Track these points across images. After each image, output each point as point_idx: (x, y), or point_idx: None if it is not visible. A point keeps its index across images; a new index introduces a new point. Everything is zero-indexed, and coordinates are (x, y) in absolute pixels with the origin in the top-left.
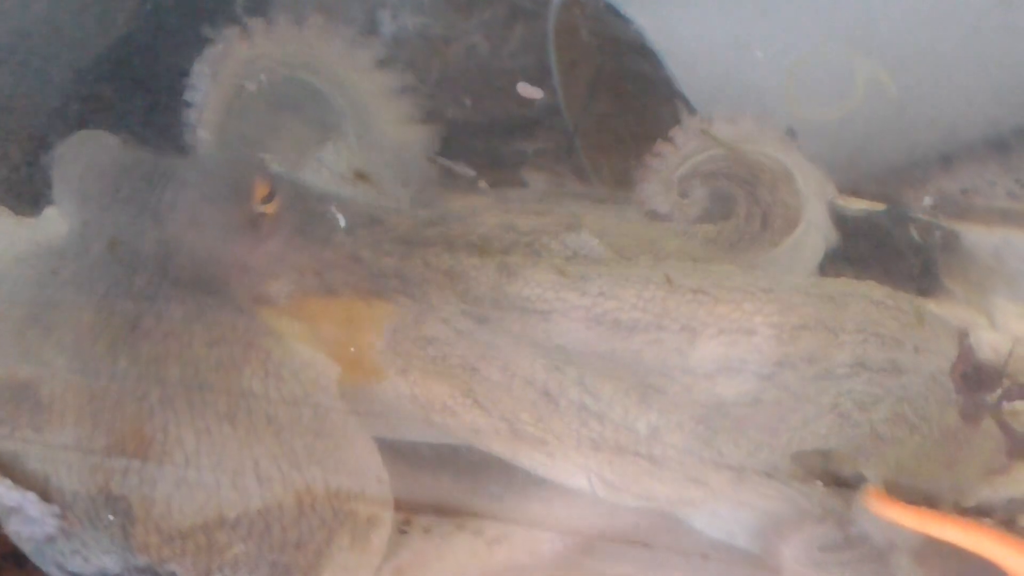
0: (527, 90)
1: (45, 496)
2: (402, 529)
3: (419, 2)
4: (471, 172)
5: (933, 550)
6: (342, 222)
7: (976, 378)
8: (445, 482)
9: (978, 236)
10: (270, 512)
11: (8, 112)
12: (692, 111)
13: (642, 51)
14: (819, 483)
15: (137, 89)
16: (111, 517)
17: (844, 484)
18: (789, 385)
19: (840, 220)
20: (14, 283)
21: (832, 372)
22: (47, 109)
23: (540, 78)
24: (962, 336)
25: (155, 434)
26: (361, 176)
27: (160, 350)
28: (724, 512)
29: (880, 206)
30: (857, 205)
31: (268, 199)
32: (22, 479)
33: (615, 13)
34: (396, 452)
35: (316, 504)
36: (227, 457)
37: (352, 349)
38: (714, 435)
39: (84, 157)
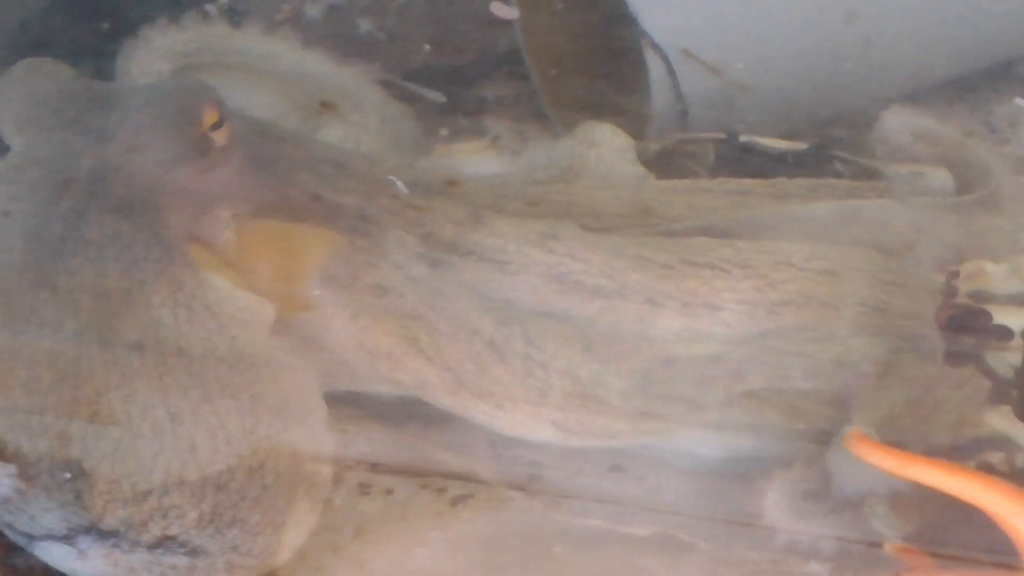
0: (501, 10)
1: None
2: (364, 491)
3: None
4: (441, 97)
5: (909, 496)
6: (402, 187)
7: (961, 320)
8: (407, 437)
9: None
10: (181, 447)
11: None
12: (658, 49)
13: None
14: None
15: (65, 52)
16: (67, 475)
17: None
18: (772, 347)
19: (762, 157)
20: None
21: (834, 335)
22: None
23: (500, 24)
24: (950, 277)
25: (68, 367)
26: (326, 105)
27: (77, 278)
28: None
29: (803, 145)
30: (783, 145)
31: (217, 125)
32: None
33: None
34: (358, 406)
35: (231, 441)
36: (137, 389)
37: (284, 277)
38: (649, 384)
39: (29, 83)
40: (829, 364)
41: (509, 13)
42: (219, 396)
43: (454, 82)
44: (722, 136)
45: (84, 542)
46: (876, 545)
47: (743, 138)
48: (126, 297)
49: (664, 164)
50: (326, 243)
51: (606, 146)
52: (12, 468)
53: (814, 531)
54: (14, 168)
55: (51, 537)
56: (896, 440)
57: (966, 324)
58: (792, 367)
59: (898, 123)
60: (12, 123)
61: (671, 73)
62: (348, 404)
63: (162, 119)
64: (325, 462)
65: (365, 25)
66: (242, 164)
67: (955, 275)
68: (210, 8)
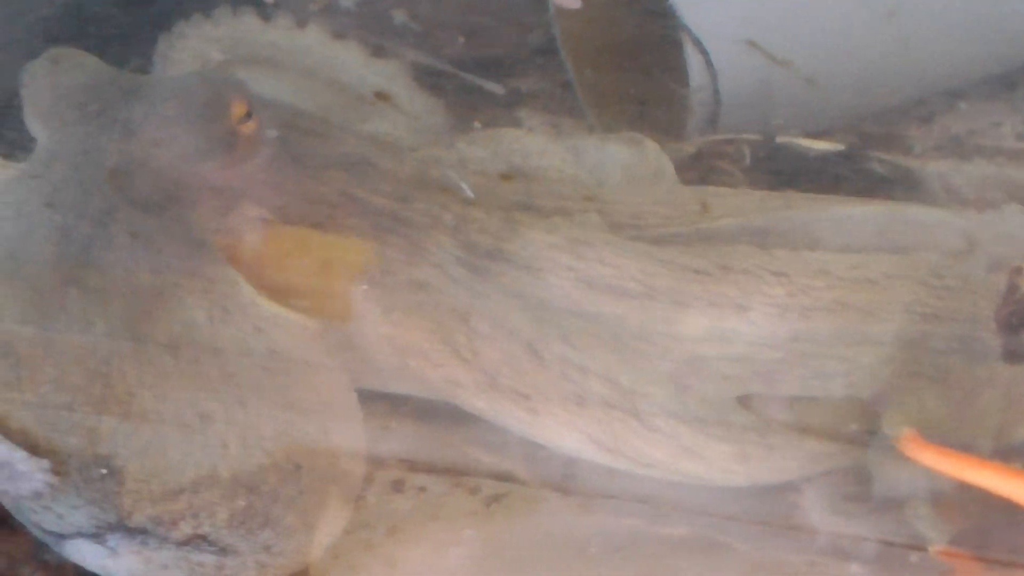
0: (564, 0)
1: (34, 451)
2: (397, 488)
3: None
4: (500, 89)
5: (954, 498)
6: (467, 190)
7: (1021, 318)
8: (441, 434)
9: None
10: (213, 447)
11: None
12: (697, 43)
13: None
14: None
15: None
16: (102, 471)
17: (859, 432)
18: (807, 351)
19: (799, 159)
20: None
21: (873, 340)
22: (12, 66)
23: (535, 16)
24: (1013, 275)
25: (99, 367)
26: (382, 96)
27: (107, 279)
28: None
29: (840, 146)
30: (820, 147)
31: (246, 118)
32: (8, 434)
33: None
34: (390, 403)
35: (265, 442)
36: (169, 390)
37: (323, 286)
38: (686, 394)
39: (55, 73)
40: (868, 369)
41: (573, 3)
42: (253, 397)
43: (488, 74)
44: (758, 137)
45: (113, 540)
46: (919, 548)
47: (779, 139)
48: (159, 297)
49: (699, 165)
50: (362, 255)
51: (650, 158)
52: (46, 463)
53: (854, 533)
54: (41, 164)
55: (80, 535)
56: (948, 439)
57: None
58: (830, 373)
59: None
60: (37, 116)
61: (710, 69)
62: (380, 400)
63: (189, 112)
64: (359, 462)
65: (399, 16)
66: (271, 157)
67: (1018, 272)
68: None
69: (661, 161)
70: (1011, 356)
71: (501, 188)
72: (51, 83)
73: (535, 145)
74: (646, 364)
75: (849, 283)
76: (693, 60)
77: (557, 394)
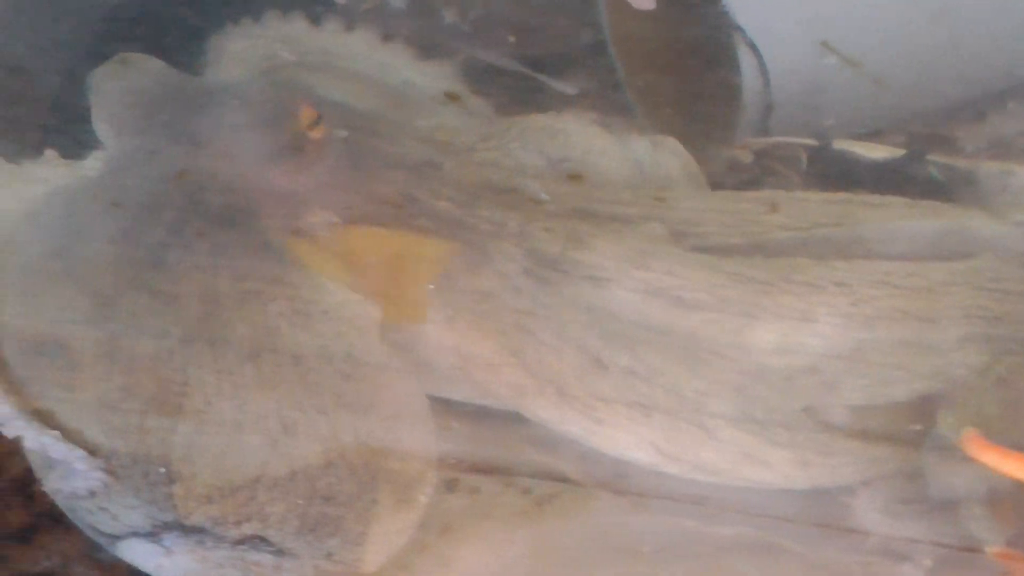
0: (639, 1)
1: (91, 450)
2: (450, 488)
3: None
4: (571, 90)
5: (1009, 499)
6: (543, 195)
7: None
8: (493, 433)
9: None
10: (295, 460)
11: (19, 73)
12: (750, 44)
13: None
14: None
15: (148, 48)
16: (161, 470)
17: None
18: (869, 359)
19: (855, 165)
20: (44, 224)
21: (934, 347)
22: (58, 70)
23: (585, 15)
24: None
25: (174, 375)
26: (452, 96)
27: (183, 286)
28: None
29: (898, 151)
30: (877, 154)
31: (314, 124)
32: (65, 434)
33: None
34: (446, 404)
35: (345, 452)
36: (249, 400)
37: (398, 287)
38: (751, 405)
39: (124, 78)
40: (928, 374)
41: (648, 3)
42: (334, 406)
43: (538, 74)
44: (814, 142)
45: (168, 539)
46: (974, 550)
47: (836, 145)
48: (240, 306)
49: (756, 171)
50: (439, 254)
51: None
52: (102, 462)
53: (908, 534)
54: (109, 168)
55: (135, 535)
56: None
57: None
58: (892, 380)
59: None
60: (106, 121)
61: (763, 70)
62: (435, 401)
63: (259, 119)
64: (430, 471)
65: (449, 16)
66: (338, 161)
67: None
68: None
69: (688, 163)
70: None
71: (565, 190)
72: (119, 88)
73: (597, 143)
74: (712, 374)
75: (908, 291)
76: (746, 61)
77: (622, 403)
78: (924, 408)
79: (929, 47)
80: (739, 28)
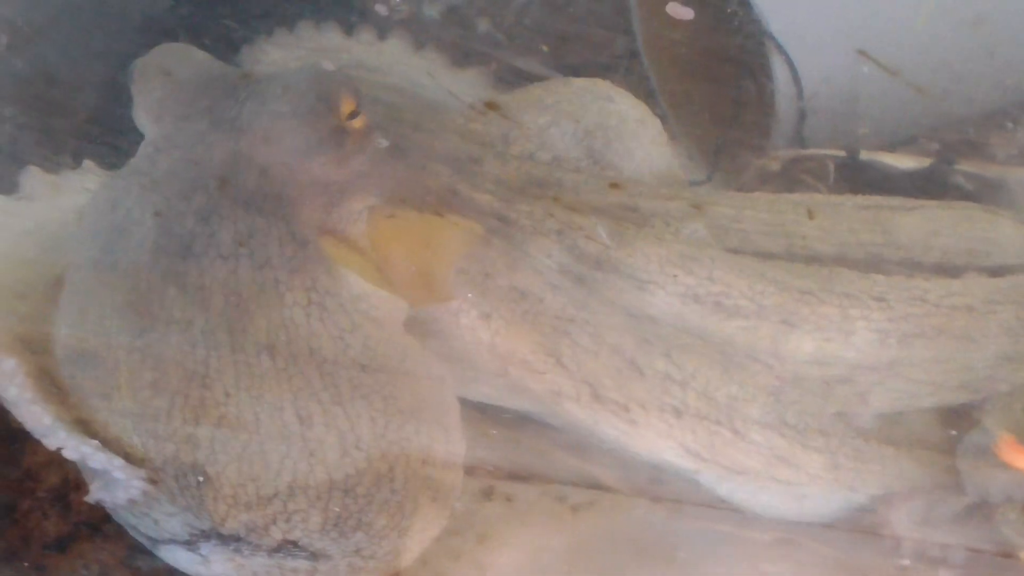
0: (677, 11)
1: (130, 459)
2: (486, 496)
3: None
4: None
5: None
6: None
7: None
8: (528, 439)
9: None
10: (309, 450)
11: (54, 85)
12: (782, 50)
13: None
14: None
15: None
16: (199, 479)
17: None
18: (902, 374)
19: (884, 175)
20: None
21: (970, 367)
22: (93, 82)
23: (618, 23)
24: None
25: (196, 367)
26: (492, 105)
27: (208, 276)
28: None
29: (925, 161)
30: (905, 164)
31: (354, 115)
32: (105, 442)
33: None
34: (482, 411)
35: (361, 444)
36: (266, 391)
37: (422, 267)
38: (785, 409)
39: (165, 68)
40: (958, 386)
41: (686, 14)
42: (351, 398)
43: None
44: (842, 153)
45: (206, 547)
46: (1009, 555)
47: (864, 155)
48: (258, 295)
49: (784, 181)
50: (465, 234)
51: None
52: (142, 472)
53: (942, 539)
54: (147, 159)
55: (174, 542)
56: None
57: None
58: (921, 393)
59: None
60: (146, 111)
61: (796, 79)
62: (472, 407)
63: (299, 108)
64: (457, 465)
65: (483, 25)
66: (378, 153)
67: None
68: None
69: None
70: None
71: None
72: (161, 78)
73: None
74: (748, 379)
75: (947, 310)
76: (778, 69)
77: (656, 406)
78: (959, 414)
79: (964, 54)
80: (772, 36)
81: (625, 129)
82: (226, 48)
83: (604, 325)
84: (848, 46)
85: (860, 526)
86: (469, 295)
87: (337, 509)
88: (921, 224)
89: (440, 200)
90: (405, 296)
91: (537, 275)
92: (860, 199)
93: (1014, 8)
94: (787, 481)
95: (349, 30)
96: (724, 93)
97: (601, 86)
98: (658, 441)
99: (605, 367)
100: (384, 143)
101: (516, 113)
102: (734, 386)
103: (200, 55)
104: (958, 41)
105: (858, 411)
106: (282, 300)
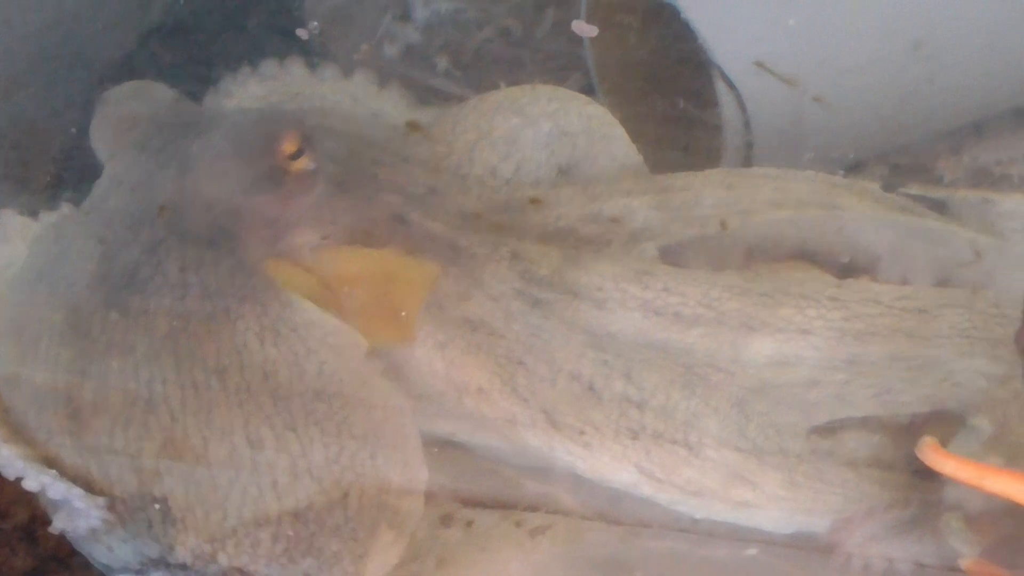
0: (582, 28)
1: (90, 489)
2: (445, 522)
3: None
4: None
5: (985, 512)
6: None
7: None
8: (487, 463)
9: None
10: (260, 476)
11: (31, 135)
12: (726, 79)
13: (676, 26)
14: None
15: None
16: (155, 505)
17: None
18: (866, 371)
19: None
20: (35, 255)
21: (932, 362)
22: (69, 128)
23: (573, 62)
24: None
25: (140, 390)
26: (414, 127)
27: (152, 302)
28: (778, 516)
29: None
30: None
31: (297, 154)
32: (63, 473)
33: None
34: (440, 440)
35: (313, 469)
36: (215, 415)
37: (385, 308)
38: (747, 421)
39: (125, 105)
40: (933, 382)
41: (590, 31)
42: (304, 424)
43: None
44: None
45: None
46: (954, 569)
47: None
48: (208, 321)
49: None
50: (428, 274)
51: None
52: (102, 500)
53: (890, 553)
54: (100, 192)
55: (127, 570)
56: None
57: None
58: (897, 389)
59: None
60: (104, 144)
61: (740, 104)
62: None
63: (240, 147)
64: (417, 493)
65: (442, 63)
66: (325, 188)
67: None
68: (301, 32)
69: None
70: None
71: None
72: (120, 113)
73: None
74: (710, 392)
75: (899, 312)
76: (724, 97)
77: (611, 429)
78: (910, 432)
79: (908, 79)
80: (716, 64)
81: (592, 129)
82: (200, 86)
83: (562, 350)
84: (790, 72)
85: (817, 544)
86: (426, 326)
87: (289, 533)
88: (863, 204)
89: (390, 230)
90: (366, 334)
91: (492, 302)
92: (807, 174)
93: (951, 32)
94: (745, 503)
95: (312, 68)
96: (673, 120)
97: (540, 91)
98: (612, 463)
99: (561, 394)
100: (330, 167)
101: (449, 133)
102: (695, 400)
103: (162, 92)
104: (901, 66)
105: (844, 419)
106: (233, 327)
